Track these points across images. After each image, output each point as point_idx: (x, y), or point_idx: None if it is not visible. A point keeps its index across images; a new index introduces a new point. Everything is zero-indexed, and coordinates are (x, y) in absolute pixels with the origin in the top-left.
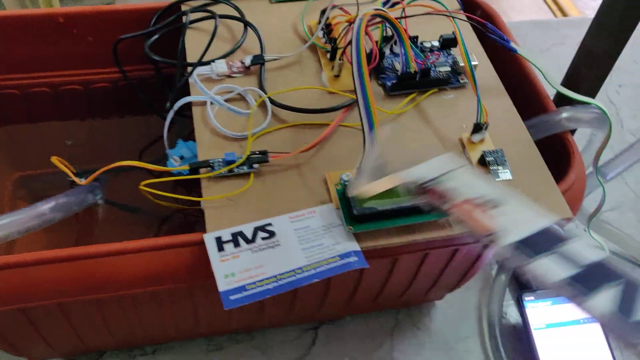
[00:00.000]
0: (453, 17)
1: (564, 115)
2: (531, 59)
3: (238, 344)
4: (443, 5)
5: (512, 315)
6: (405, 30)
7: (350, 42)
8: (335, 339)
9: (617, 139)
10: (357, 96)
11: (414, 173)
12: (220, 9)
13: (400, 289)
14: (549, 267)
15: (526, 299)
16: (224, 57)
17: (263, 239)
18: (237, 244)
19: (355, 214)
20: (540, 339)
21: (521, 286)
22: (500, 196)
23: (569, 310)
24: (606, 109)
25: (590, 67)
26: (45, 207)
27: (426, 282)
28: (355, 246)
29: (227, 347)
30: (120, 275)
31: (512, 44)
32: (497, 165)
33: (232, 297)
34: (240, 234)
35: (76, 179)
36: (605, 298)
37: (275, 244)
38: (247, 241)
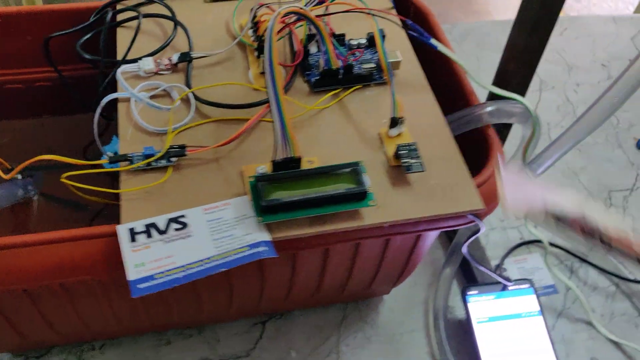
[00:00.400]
0: (373, 15)
1: (486, 109)
2: (452, 55)
3: (187, 338)
4: (364, 3)
5: (459, 309)
6: (331, 29)
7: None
8: (283, 332)
9: None
10: (267, 92)
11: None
12: (154, 8)
13: (339, 282)
14: None
15: (469, 293)
16: (151, 54)
17: (175, 230)
18: (149, 235)
19: (264, 205)
20: (482, 332)
21: (468, 279)
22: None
23: (511, 304)
24: (530, 105)
25: (517, 63)
26: None
27: (364, 275)
28: (265, 236)
29: (176, 341)
30: (32, 266)
31: (433, 41)
32: (409, 158)
33: (139, 286)
34: (153, 225)
35: (2, 174)
36: None
37: (187, 235)
38: (160, 232)
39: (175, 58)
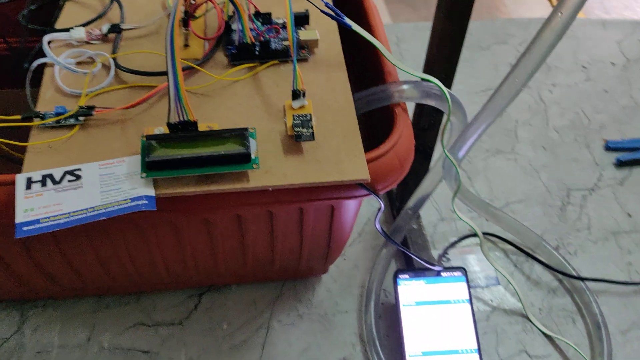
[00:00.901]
0: None
1: (397, 87)
2: (365, 35)
3: (125, 305)
4: None
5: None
6: (256, 7)
7: (192, 14)
8: (217, 305)
9: (541, 134)
10: (166, 58)
11: None
12: None
13: (264, 254)
14: None
15: (400, 276)
16: (83, 25)
17: (69, 181)
18: (44, 184)
19: (147, 161)
20: (408, 316)
21: (408, 265)
22: None
23: (441, 290)
24: (443, 86)
25: (438, 48)
26: None
27: (288, 248)
28: (149, 191)
29: (114, 307)
30: None
31: (347, 20)
32: (302, 127)
33: (24, 228)
34: (50, 176)
35: None
36: None
37: (77, 187)
38: (54, 182)
39: (104, 29)
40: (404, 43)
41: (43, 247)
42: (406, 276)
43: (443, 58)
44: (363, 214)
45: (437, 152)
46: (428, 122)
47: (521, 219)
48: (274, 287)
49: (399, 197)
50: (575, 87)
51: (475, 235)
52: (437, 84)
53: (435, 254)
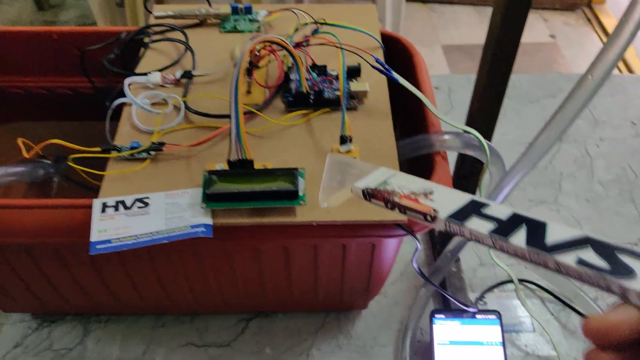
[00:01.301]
0: (342, 49)
1: (439, 137)
2: (411, 88)
3: (180, 325)
4: (337, 39)
5: None
6: (312, 59)
7: (256, 65)
8: (264, 330)
9: (586, 188)
10: (230, 103)
11: (362, 183)
12: (176, 34)
13: (308, 285)
14: (476, 229)
15: (436, 316)
16: (160, 70)
17: (138, 207)
18: (117, 209)
19: (207, 193)
20: (442, 354)
21: (446, 304)
22: (430, 186)
23: (475, 331)
24: (481, 137)
25: (479, 102)
26: None
27: (331, 281)
28: (207, 220)
29: (170, 326)
30: (28, 224)
31: (395, 75)
32: None
33: (97, 246)
34: (122, 202)
35: (25, 154)
36: (519, 237)
37: (145, 213)
38: (125, 207)
39: (178, 74)
40: (454, 94)
41: (110, 266)
42: (442, 316)
43: (484, 111)
44: (405, 254)
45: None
46: (468, 170)
47: None
48: (318, 317)
49: (440, 240)
50: (623, 142)
51: (512, 281)
52: (476, 136)
53: (472, 296)
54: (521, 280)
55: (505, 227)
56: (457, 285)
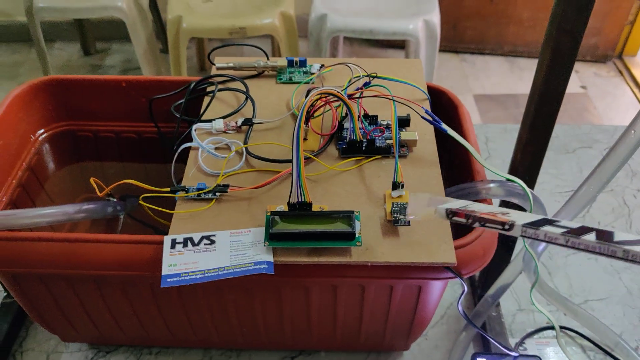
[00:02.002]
0: (394, 101)
1: (485, 185)
2: (458, 138)
3: (227, 358)
4: (389, 91)
5: None
6: (365, 110)
7: (312, 114)
8: None
9: None
10: (292, 149)
11: (445, 205)
12: (236, 85)
13: (353, 324)
14: (550, 231)
15: (478, 359)
16: (223, 117)
17: (205, 244)
18: (185, 245)
19: (271, 233)
20: None
21: (486, 348)
22: (505, 209)
23: None
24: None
25: (522, 154)
26: (70, 208)
27: (374, 322)
28: (269, 258)
29: (217, 359)
30: (99, 258)
31: (443, 126)
32: (399, 214)
33: (168, 280)
34: (190, 239)
35: (98, 193)
36: (589, 237)
37: (212, 249)
38: (193, 244)
39: (239, 122)
40: (492, 142)
41: (169, 299)
42: (484, 359)
43: (526, 163)
44: (447, 298)
45: (519, 245)
46: None
47: (600, 317)
48: (359, 357)
49: (481, 285)
50: None
51: (552, 328)
52: (520, 185)
53: (512, 342)
54: (562, 327)
55: (576, 231)
56: (497, 329)
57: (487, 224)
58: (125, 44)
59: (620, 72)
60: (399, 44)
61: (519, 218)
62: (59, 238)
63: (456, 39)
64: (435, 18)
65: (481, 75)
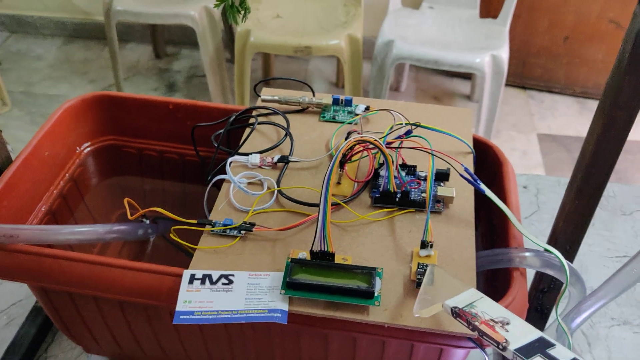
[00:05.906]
0: (433, 155)
1: (519, 253)
2: (496, 201)
3: None
4: (429, 144)
5: None
6: (403, 160)
7: (349, 159)
8: None
9: None
10: (320, 195)
11: (452, 301)
12: (278, 119)
13: None
14: None
15: None
16: (259, 152)
17: (223, 283)
18: (203, 282)
19: (288, 281)
20: None
21: None
22: (508, 316)
23: None
24: (563, 258)
25: (564, 223)
26: (100, 229)
27: None
28: (284, 306)
29: None
30: (122, 283)
31: (482, 186)
32: (423, 276)
33: (181, 317)
34: (209, 276)
35: (130, 217)
36: None
37: (229, 290)
38: (211, 282)
39: (276, 158)
40: (542, 195)
41: (189, 328)
42: None
43: (568, 232)
44: (474, 357)
45: (554, 314)
46: (548, 285)
47: None
48: None
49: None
50: None
51: None
52: (558, 257)
53: None
54: None
55: None
56: None
57: (485, 337)
58: (194, 50)
59: None
60: (465, 75)
61: (516, 335)
62: (85, 260)
63: (525, 74)
64: (504, 54)
65: (548, 114)
